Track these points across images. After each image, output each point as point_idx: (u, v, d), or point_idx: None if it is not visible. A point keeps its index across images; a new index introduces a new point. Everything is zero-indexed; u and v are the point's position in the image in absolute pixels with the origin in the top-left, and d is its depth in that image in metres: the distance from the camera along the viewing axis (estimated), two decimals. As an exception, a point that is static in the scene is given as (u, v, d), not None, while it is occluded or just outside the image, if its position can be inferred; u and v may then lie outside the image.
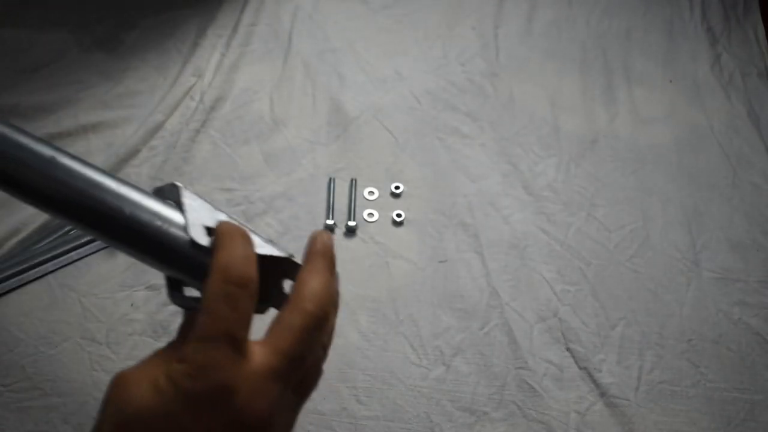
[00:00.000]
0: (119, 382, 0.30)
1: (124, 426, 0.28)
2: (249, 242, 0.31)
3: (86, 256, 0.73)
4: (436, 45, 1.03)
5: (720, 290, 0.77)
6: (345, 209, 0.80)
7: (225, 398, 0.28)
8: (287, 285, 0.36)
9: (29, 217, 0.74)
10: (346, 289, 0.73)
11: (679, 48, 1.07)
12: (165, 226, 0.32)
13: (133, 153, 0.83)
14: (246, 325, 0.30)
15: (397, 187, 0.83)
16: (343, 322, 0.71)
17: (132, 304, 0.69)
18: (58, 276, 0.71)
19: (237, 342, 0.29)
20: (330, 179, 0.82)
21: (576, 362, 0.69)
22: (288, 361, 0.30)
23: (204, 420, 0.28)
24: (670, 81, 1.01)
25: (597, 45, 1.06)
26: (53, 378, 0.64)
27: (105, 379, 0.63)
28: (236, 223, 0.33)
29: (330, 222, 0.78)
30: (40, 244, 0.72)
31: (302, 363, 0.31)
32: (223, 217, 0.34)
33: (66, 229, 0.74)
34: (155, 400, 0.28)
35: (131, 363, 0.34)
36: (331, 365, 0.67)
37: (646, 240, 0.81)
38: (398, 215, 0.80)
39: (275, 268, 0.35)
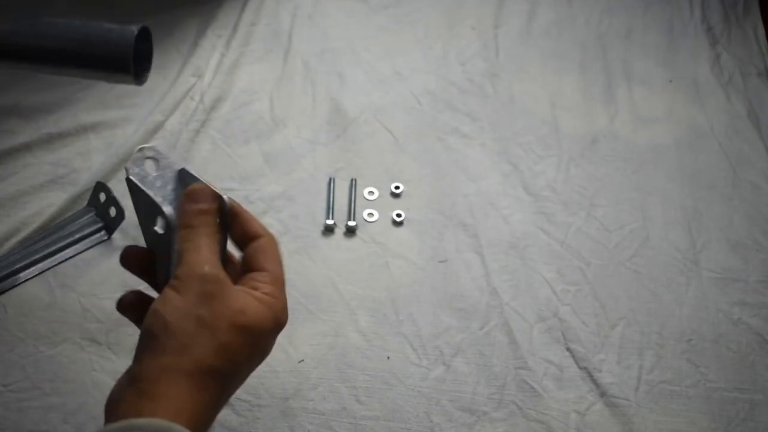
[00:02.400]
0: (219, 281, 0.37)
1: (243, 330, 0.37)
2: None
3: (84, 250, 0.73)
4: (436, 45, 1.03)
5: (720, 290, 0.77)
6: (345, 209, 0.80)
7: (284, 322, 0.40)
8: None
9: (29, 217, 0.74)
10: (346, 289, 0.73)
11: (678, 48, 1.07)
12: None
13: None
14: None
15: (397, 187, 0.83)
16: (343, 322, 0.71)
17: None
18: (58, 276, 0.71)
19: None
20: (330, 179, 0.82)
21: (576, 362, 0.69)
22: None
23: (274, 341, 0.40)
24: (670, 81, 1.01)
25: (597, 45, 1.06)
26: (53, 378, 0.64)
27: (105, 380, 0.63)
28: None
29: (330, 222, 0.78)
30: (40, 244, 0.72)
31: None
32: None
33: (66, 229, 0.74)
34: (267, 323, 0.38)
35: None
36: (331, 365, 0.67)
37: (646, 240, 0.81)
38: (398, 215, 0.80)
39: None
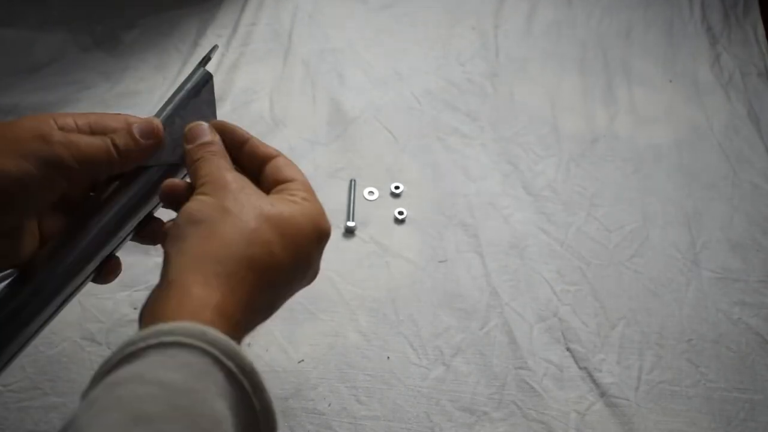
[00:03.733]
0: (239, 179, 0.37)
1: (274, 221, 0.35)
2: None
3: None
4: (436, 45, 1.03)
5: (720, 290, 0.77)
6: (344, 209, 0.80)
7: (326, 242, 0.38)
8: None
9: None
10: (346, 289, 0.73)
11: (678, 48, 1.07)
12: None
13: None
14: None
15: (397, 187, 0.83)
16: (343, 322, 0.71)
17: (133, 306, 0.69)
18: (58, 276, 0.71)
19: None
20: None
21: (576, 362, 0.69)
22: None
23: (318, 250, 0.38)
24: (670, 81, 1.01)
25: (597, 45, 1.06)
26: (53, 378, 0.64)
27: (105, 379, 0.63)
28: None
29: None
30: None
31: None
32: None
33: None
34: (304, 220, 0.36)
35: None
36: (331, 365, 0.67)
37: (646, 240, 0.81)
38: (400, 212, 0.80)
39: None
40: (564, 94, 0.98)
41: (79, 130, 0.39)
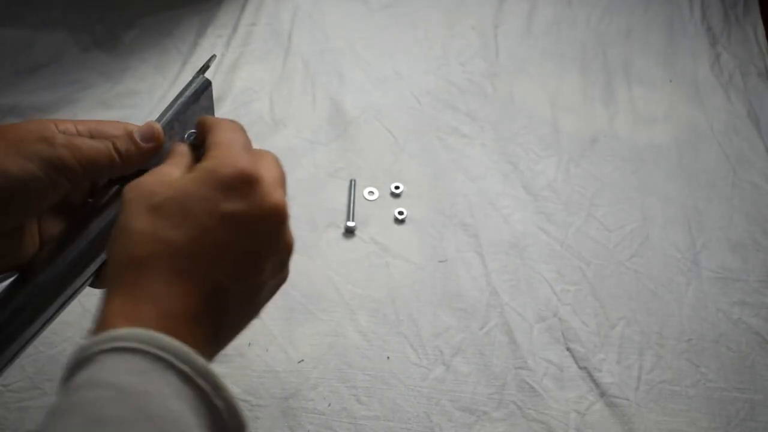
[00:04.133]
0: (135, 187, 0.36)
1: (156, 209, 0.34)
2: None
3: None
4: (436, 45, 1.03)
5: (720, 290, 0.77)
6: (344, 209, 0.80)
7: (252, 184, 0.34)
8: None
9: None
10: (345, 289, 0.73)
11: (678, 48, 1.07)
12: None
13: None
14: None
15: (397, 187, 0.83)
16: (343, 322, 0.71)
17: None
18: (58, 276, 0.71)
19: (250, 146, 0.37)
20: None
21: (576, 362, 0.69)
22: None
23: (234, 200, 0.34)
24: (670, 81, 1.01)
25: (597, 45, 1.06)
26: (53, 378, 0.64)
27: (105, 379, 0.63)
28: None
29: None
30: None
31: None
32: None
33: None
34: (189, 185, 0.34)
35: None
36: (331, 365, 0.67)
37: (646, 240, 0.81)
38: (400, 212, 0.80)
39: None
40: (564, 94, 0.98)
41: (80, 135, 0.39)
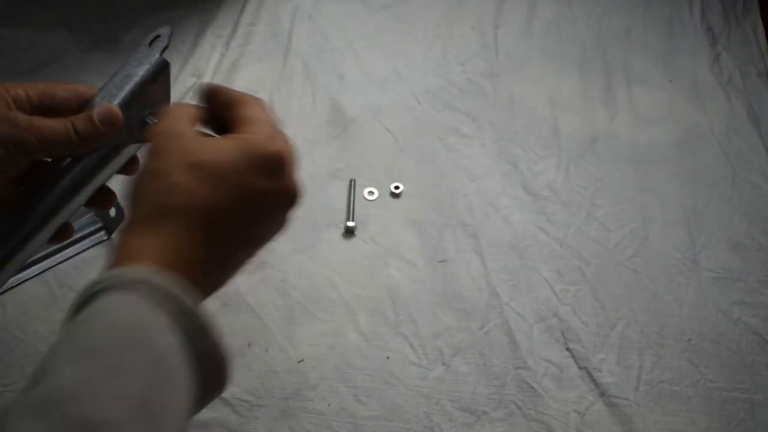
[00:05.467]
0: (171, 138, 0.37)
1: (198, 167, 0.35)
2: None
3: (84, 250, 0.73)
4: (436, 45, 1.03)
5: (719, 290, 0.77)
6: (344, 209, 0.80)
7: (285, 166, 0.37)
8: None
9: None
10: (345, 289, 0.73)
11: (678, 48, 1.07)
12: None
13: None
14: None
15: (396, 187, 0.83)
16: (343, 322, 0.71)
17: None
18: (58, 276, 0.71)
19: (278, 124, 0.39)
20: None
21: (576, 362, 0.69)
22: None
23: (267, 179, 0.36)
24: (670, 81, 1.01)
25: (597, 45, 1.06)
26: (53, 378, 0.64)
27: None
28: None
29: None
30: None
31: None
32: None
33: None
34: (232, 153, 0.36)
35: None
36: (330, 365, 0.67)
37: (645, 240, 0.81)
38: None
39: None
40: (564, 94, 0.98)
41: (29, 101, 0.42)
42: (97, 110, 0.41)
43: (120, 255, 0.34)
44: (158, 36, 0.46)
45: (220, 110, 0.41)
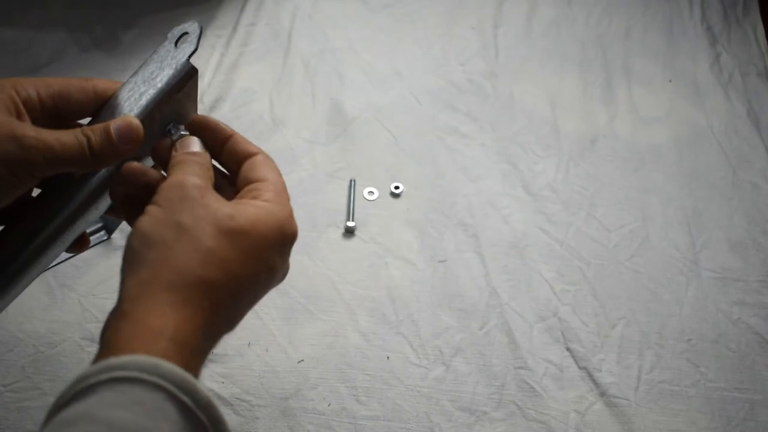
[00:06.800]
0: (200, 195, 0.34)
1: (233, 235, 0.33)
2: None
3: (84, 250, 0.73)
4: (436, 45, 1.03)
5: (719, 290, 0.77)
6: (344, 209, 0.80)
7: (292, 244, 0.37)
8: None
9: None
10: (345, 289, 0.73)
11: (678, 48, 1.07)
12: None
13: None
14: None
15: (396, 187, 0.83)
16: (342, 322, 0.71)
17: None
18: (58, 276, 0.71)
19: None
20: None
21: (576, 362, 0.69)
22: None
23: (283, 256, 0.36)
24: (670, 80, 1.01)
25: (597, 45, 1.06)
26: (53, 378, 0.64)
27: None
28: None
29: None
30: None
31: None
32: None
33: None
34: (263, 227, 0.34)
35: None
36: (330, 365, 0.67)
37: (645, 240, 0.81)
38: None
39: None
40: (564, 93, 0.98)
41: (42, 103, 0.37)
42: (115, 124, 0.36)
43: (135, 332, 0.30)
44: (185, 33, 0.39)
45: (229, 158, 0.39)
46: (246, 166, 0.38)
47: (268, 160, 0.39)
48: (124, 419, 0.26)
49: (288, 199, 0.37)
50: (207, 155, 0.38)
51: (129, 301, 0.31)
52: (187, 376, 0.28)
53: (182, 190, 0.34)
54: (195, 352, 0.31)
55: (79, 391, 0.28)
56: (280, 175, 0.38)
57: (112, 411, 0.27)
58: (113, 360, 0.28)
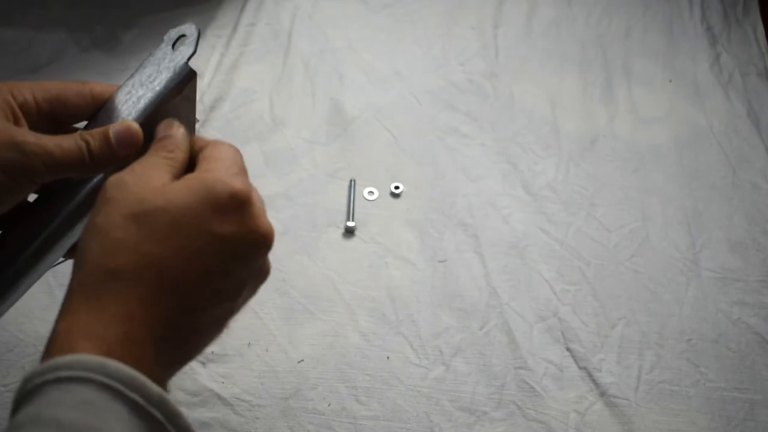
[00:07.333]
0: (119, 186, 0.32)
1: (142, 218, 0.31)
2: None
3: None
4: (436, 45, 1.03)
5: (719, 290, 0.77)
6: (344, 209, 0.80)
7: (245, 207, 0.33)
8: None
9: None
10: (345, 289, 0.73)
11: (678, 48, 1.07)
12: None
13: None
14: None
15: (396, 187, 0.83)
16: (342, 322, 0.71)
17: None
18: (58, 276, 0.71)
19: (245, 170, 0.35)
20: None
21: (576, 362, 0.69)
22: None
23: (226, 222, 0.32)
24: (670, 80, 1.01)
25: (597, 45, 1.06)
26: (53, 378, 0.64)
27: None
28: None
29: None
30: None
31: None
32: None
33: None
34: (181, 198, 0.32)
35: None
36: (330, 365, 0.67)
37: (645, 240, 0.81)
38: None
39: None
40: (564, 93, 0.98)
41: (38, 108, 0.37)
42: (114, 129, 0.36)
43: (60, 335, 0.29)
44: (183, 35, 0.38)
45: (195, 158, 0.37)
46: (196, 157, 0.37)
47: (219, 142, 0.37)
48: (72, 419, 0.26)
49: (225, 163, 0.34)
50: (175, 139, 0.37)
51: (69, 292, 0.31)
52: (135, 373, 0.28)
53: (102, 192, 0.33)
54: (147, 344, 0.30)
55: (27, 392, 0.27)
56: (228, 150, 0.36)
57: (58, 410, 0.26)
58: (59, 360, 0.27)
